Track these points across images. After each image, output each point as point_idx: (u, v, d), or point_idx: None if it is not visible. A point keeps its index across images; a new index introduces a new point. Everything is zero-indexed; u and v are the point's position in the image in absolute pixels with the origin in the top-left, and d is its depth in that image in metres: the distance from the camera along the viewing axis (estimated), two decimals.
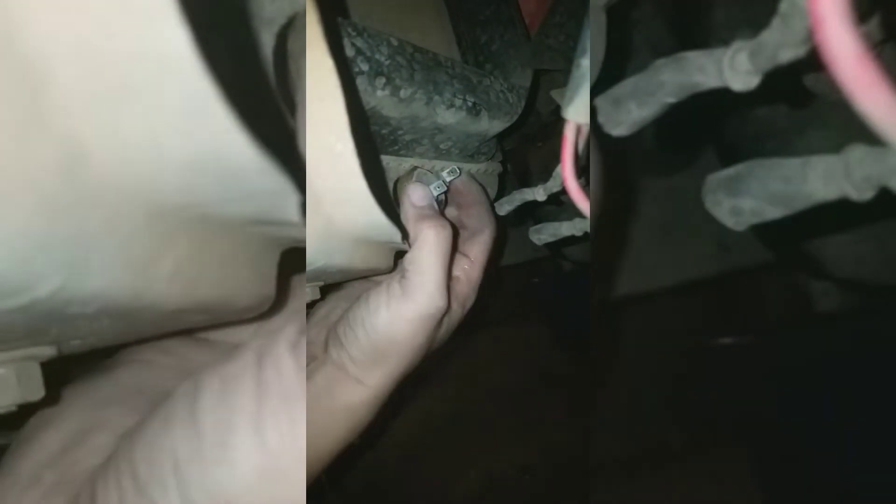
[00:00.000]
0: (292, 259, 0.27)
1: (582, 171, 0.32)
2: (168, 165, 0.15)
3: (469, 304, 0.43)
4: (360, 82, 0.34)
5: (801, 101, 0.43)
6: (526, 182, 0.59)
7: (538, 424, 0.84)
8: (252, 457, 0.22)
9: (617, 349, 0.74)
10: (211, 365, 0.25)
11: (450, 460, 0.79)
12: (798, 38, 0.17)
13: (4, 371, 0.18)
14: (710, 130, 0.57)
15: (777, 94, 0.45)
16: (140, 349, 0.32)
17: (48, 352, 0.19)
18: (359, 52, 0.34)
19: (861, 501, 0.70)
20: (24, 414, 0.24)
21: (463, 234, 0.43)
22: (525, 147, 0.59)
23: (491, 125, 0.44)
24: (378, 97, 0.35)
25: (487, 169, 0.51)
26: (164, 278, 0.17)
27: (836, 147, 0.17)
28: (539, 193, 0.39)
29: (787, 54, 0.18)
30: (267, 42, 0.21)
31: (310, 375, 0.36)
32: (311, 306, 0.40)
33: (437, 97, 0.39)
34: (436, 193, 0.41)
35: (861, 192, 0.17)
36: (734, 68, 0.19)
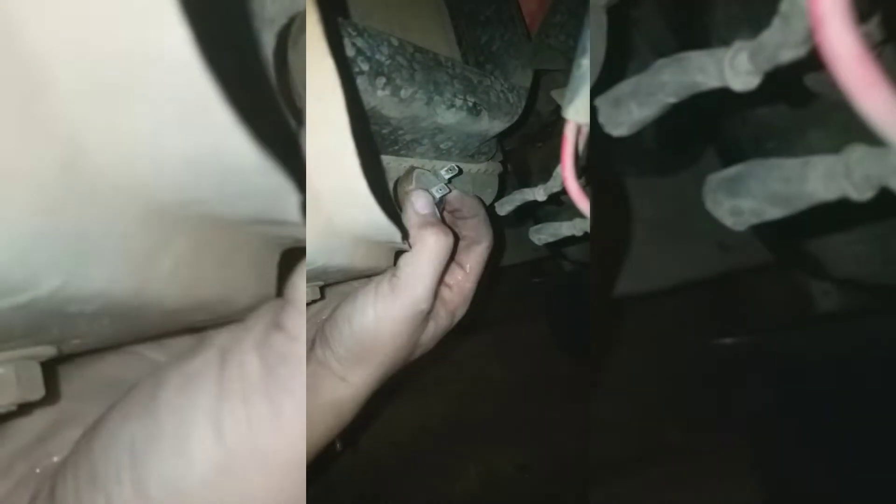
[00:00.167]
0: (293, 258, 0.27)
1: (582, 171, 0.32)
2: (168, 164, 0.15)
3: (459, 314, 0.43)
4: (361, 82, 0.34)
5: (801, 102, 0.43)
6: (526, 182, 0.59)
7: (538, 424, 0.84)
8: (210, 453, 0.22)
9: (617, 349, 0.74)
10: (173, 360, 0.25)
11: (450, 459, 0.79)
12: (798, 38, 0.17)
13: (4, 370, 0.18)
14: (710, 130, 0.57)
15: (777, 94, 0.45)
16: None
17: (48, 351, 0.19)
18: (359, 51, 0.34)
19: (861, 500, 0.70)
20: (23, 413, 0.24)
21: (460, 243, 0.43)
22: (525, 147, 0.59)
23: (491, 125, 0.44)
24: (378, 97, 0.35)
25: (487, 169, 0.51)
26: (163, 277, 0.17)
27: (836, 147, 0.17)
28: (539, 193, 0.39)
29: (788, 54, 0.18)
30: (268, 41, 0.21)
31: None
32: (310, 306, 0.40)
33: (437, 97, 0.39)
34: (438, 196, 0.41)
35: (861, 192, 0.17)
36: (735, 68, 0.19)
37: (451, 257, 0.39)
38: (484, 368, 0.83)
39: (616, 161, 0.64)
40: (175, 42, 0.13)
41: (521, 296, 0.87)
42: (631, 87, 0.22)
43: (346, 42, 0.34)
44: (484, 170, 0.50)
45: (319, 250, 0.28)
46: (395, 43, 0.37)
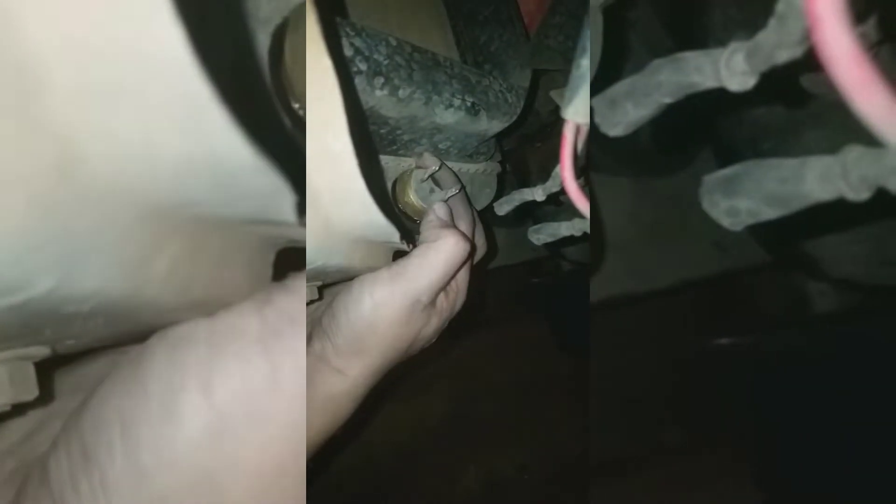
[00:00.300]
0: (288, 258, 0.27)
1: (581, 171, 0.32)
2: (162, 165, 0.15)
3: (459, 304, 0.42)
4: (359, 82, 0.34)
5: (797, 102, 0.43)
6: (525, 182, 0.59)
7: (537, 424, 0.84)
8: (199, 415, 0.22)
9: (613, 349, 0.74)
10: (159, 330, 0.24)
11: (449, 459, 0.79)
12: (795, 39, 0.17)
13: None
14: (706, 131, 0.57)
15: (774, 94, 0.44)
16: None
17: (42, 351, 0.19)
18: (357, 51, 0.34)
19: (859, 501, 0.70)
20: (17, 414, 0.24)
21: None
22: (524, 147, 0.59)
23: (490, 125, 0.44)
24: (377, 97, 0.35)
25: (486, 169, 0.51)
26: (158, 278, 0.17)
27: (832, 147, 0.17)
28: (538, 193, 0.39)
29: (784, 55, 0.18)
30: (262, 41, 0.21)
31: None
32: (308, 306, 0.40)
33: (435, 97, 0.39)
34: (447, 196, 0.42)
35: (858, 193, 0.17)
36: (731, 69, 0.19)
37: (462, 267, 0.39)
38: (483, 368, 0.83)
39: (613, 161, 0.64)
40: (170, 43, 0.13)
41: (521, 296, 0.87)
42: (627, 88, 0.22)
43: (345, 42, 0.34)
44: (482, 170, 0.50)
45: (318, 250, 0.28)
46: (394, 43, 0.37)
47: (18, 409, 0.19)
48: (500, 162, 0.52)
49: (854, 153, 0.17)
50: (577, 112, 0.28)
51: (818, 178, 0.18)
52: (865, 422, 0.70)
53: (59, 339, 0.19)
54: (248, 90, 0.20)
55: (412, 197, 0.42)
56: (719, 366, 0.80)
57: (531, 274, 0.86)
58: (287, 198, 0.17)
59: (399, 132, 0.40)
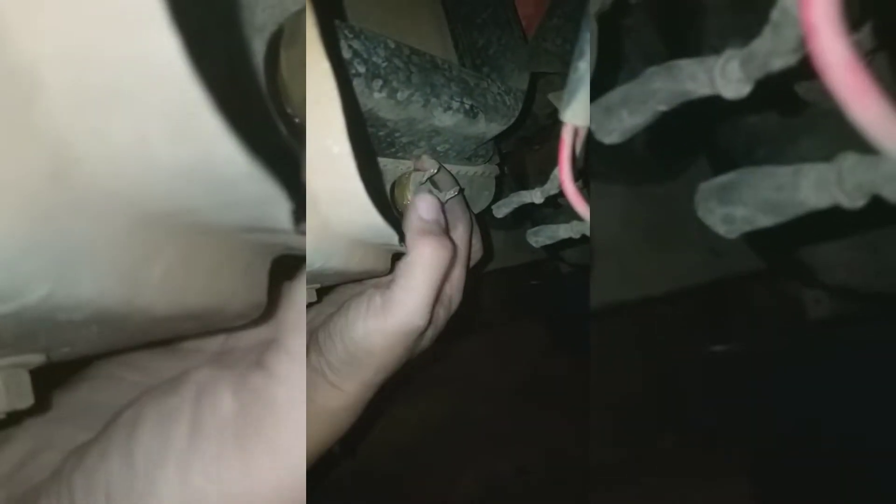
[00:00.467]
0: (284, 266, 0.27)
1: (579, 173, 0.32)
2: (157, 172, 0.15)
3: (455, 304, 0.42)
4: (357, 84, 0.34)
5: (792, 110, 0.43)
6: (523, 185, 0.59)
7: (535, 426, 0.84)
8: (176, 495, 0.22)
9: (608, 355, 0.74)
10: (153, 394, 0.25)
11: (447, 462, 0.79)
12: (789, 47, 0.17)
13: None
14: (701, 138, 0.57)
15: (769, 102, 0.44)
16: (105, 364, 0.32)
17: (37, 359, 0.19)
18: (356, 54, 0.34)
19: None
20: (12, 422, 0.24)
21: None
22: (522, 150, 0.59)
23: (488, 128, 0.44)
24: (375, 99, 0.35)
25: (484, 172, 0.51)
26: (153, 285, 0.17)
27: (827, 155, 0.17)
28: (536, 196, 0.39)
29: (779, 62, 0.18)
30: (258, 49, 0.21)
31: None
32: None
33: (434, 100, 0.39)
34: (445, 199, 0.41)
35: (853, 200, 0.17)
36: (726, 76, 0.19)
37: (450, 271, 0.38)
38: (481, 370, 0.83)
39: (608, 168, 0.64)
40: (164, 50, 0.13)
41: (519, 298, 0.87)
42: (622, 95, 0.22)
43: (343, 44, 0.34)
44: (481, 172, 0.50)
45: (316, 253, 0.28)
46: (392, 45, 0.37)
47: (14, 418, 0.19)
48: (498, 164, 0.52)
49: (849, 161, 0.17)
50: (575, 115, 0.28)
51: (813, 186, 0.18)
52: (861, 427, 0.70)
53: (53, 346, 0.19)
54: (243, 97, 0.20)
55: (411, 199, 0.42)
56: (713, 372, 0.80)
57: (530, 276, 0.86)
58: (282, 205, 0.17)
59: (397, 135, 0.40)
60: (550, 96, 0.50)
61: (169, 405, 0.24)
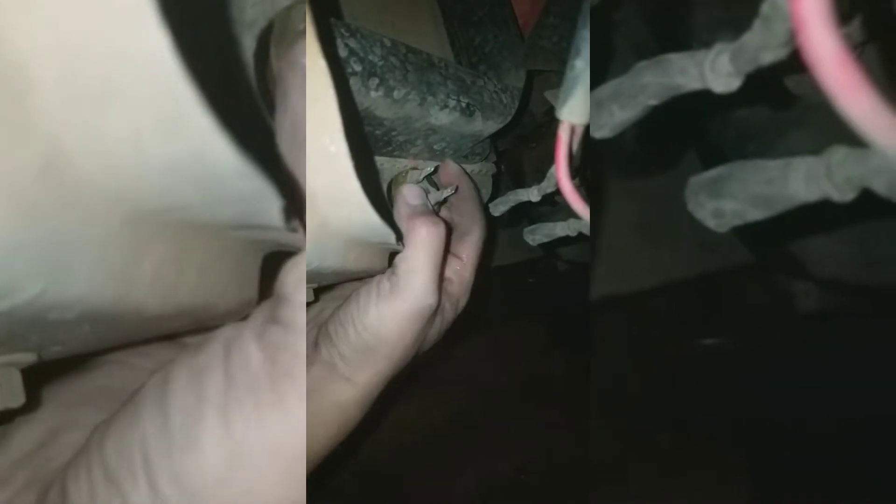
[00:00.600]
0: (275, 262, 0.27)
1: (576, 171, 0.32)
2: (148, 168, 0.15)
3: (462, 304, 0.43)
4: (354, 83, 0.34)
5: (782, 103, 0.43)
6: (520, 183, 0.59)
7: (535, 425, 0.84)
8: (219, 446, 0.22)
9: (600, 350, 0.74)
10: (180, 357, 0.24)
11: (447, 462, 0.79)
12: (779, 41, 0.17)
13: None
14: (691, 132, 0.57)
15: (759, 96, 0.44)
16: (118, 352, 0.32)
17: (28, 358, 0.19)
18: (352, 52, 0.34)
19: (850, 501, 0.70)
20: (5, 421, 0.24)
21: (454, 233, 0.43)
22: (519, 148, 0.59)
23: (485, 126, 0.44)
24: (371, 98, 0.35)
25: (481, 170, 0.51)
26: (144, 283, 0.17)
27: (817, 148, 0.17)
28: (533, 194, 0.39)
29: (769, 56, 0.18)
30: (248, 45, 0.21)
31: None
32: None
33: (430, 98, 0.39)
34: (433, 201, 0.41)
35: (842, 194, 0.17)
36: (716, 70, 0.19)
37: (448, 248, 0.39)
38: (479, 369, 0.83)
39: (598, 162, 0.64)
40: (154, 47, 0.13)
41: (516, 296, 0.87)
42: (612, 90, 0.22)
43: (339, 43, 0.34)
44: (478, 170, 0.50)
45: (313, 251, 0.29)
46: (388, 44, 0.37)
47: (5, 416, 0.19)
48: (495, 163, 0.52)
49: (839, 154, 0.17)
50: (571, 112, 0.28)
51: (803, 179, 0.18)
52: (854, 420, 0.70)
53: (44, 345, 0.19)
54: (233, 94, 0.20)
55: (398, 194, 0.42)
56: (704, 366, 0.80)
57: (526, 274, 0.86)
58: (273, 202, 0.17)
59: (394, 133, 0.40)
60: (547, 94, 0.50)
61: (199, 362, 0.24)
